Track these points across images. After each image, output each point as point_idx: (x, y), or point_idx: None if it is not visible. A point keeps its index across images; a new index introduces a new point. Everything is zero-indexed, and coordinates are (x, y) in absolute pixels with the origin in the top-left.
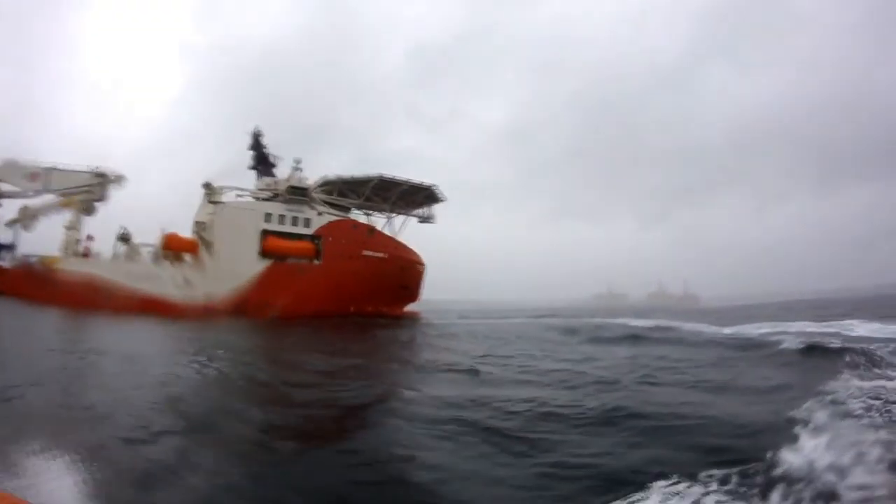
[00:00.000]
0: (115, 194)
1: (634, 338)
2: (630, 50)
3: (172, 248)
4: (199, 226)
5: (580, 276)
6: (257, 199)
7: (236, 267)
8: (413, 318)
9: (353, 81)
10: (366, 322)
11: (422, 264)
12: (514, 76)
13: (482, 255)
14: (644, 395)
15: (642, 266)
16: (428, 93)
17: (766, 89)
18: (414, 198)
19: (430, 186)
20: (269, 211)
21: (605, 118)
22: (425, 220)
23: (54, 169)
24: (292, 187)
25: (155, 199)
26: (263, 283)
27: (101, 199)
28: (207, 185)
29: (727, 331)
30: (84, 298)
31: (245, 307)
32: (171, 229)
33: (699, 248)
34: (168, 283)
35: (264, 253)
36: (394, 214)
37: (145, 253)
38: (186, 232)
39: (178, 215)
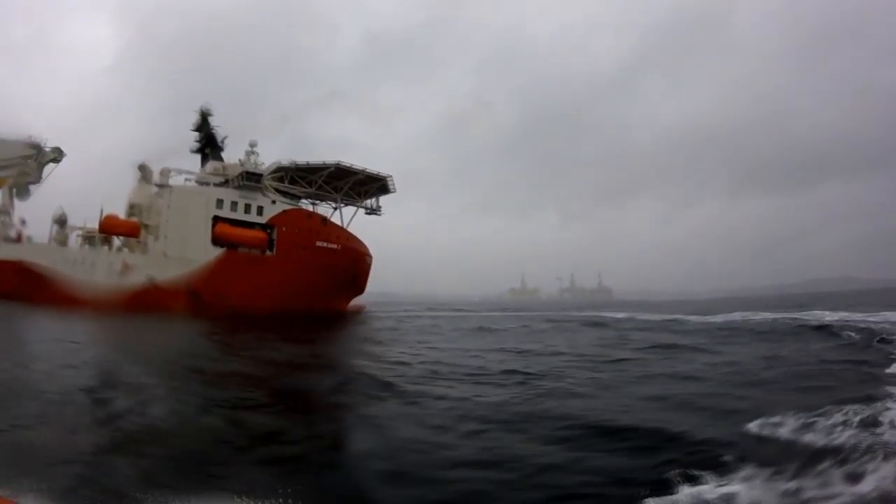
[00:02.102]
0: (51, 172)
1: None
2: (575, 55)
3: (112, 231)
4: (135, 208)
5: (496, 271)
6: (205, 183)
7: (187, 253)
8: (360, 312)
9: (301, 63)
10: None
11: (370, 256)
12: (459, 70)
13: (400, 247)
14: None
15: (557, 261)
16: (372, 81)
17: (695, 105)
18: (366, 188)
19: (385, 177)
20: (222, 197)
21: (544, 118)
22: (372, 211)
23: None
24: (248, 173)
25: (79, 176)
26: (217, 272)
27: (36, 179)
28: (142, 167)
29: None
30: (14, 287)
31: (199, 298)
32: (89, 209)
33: (615, 244)
34: (105, 268)
35: (215, 240)
36: (342, 205)
37: (73, 236)
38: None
39: (100, 195)
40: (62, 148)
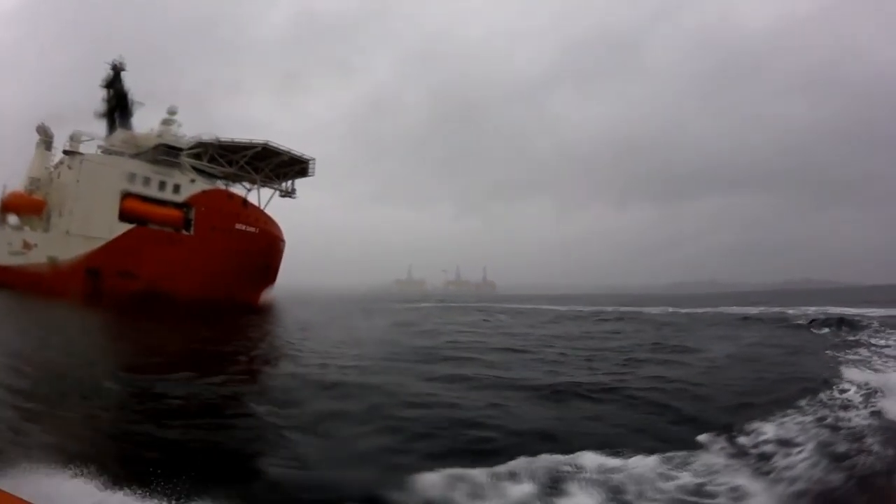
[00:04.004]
0: None
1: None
2: (496, 62)
3: (16, 210)
4: (35, 182)
5: (383, 262)
6: (118, 153)
7: (91, 230)
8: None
9: (224, 34)
10: None
11: (284, 241)
12: (383, 61)
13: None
14: None
15: (446, 254)
16: (295, 60)
17: (599, 119)
18: (286, 170)
19: (308, 160)
20: (134, 171)
21: (456, 116)
22: (287, 194)
23: None
24: (166, 146)
25: None
26: (123, 248)
27: None
28: (42, 129)
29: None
30: None
31: (99, 277)
32: None
33: (503, 240)
34: (3, 248)
35: (123, 215)
36: (258, 186)
37: None
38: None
39: None
40: None
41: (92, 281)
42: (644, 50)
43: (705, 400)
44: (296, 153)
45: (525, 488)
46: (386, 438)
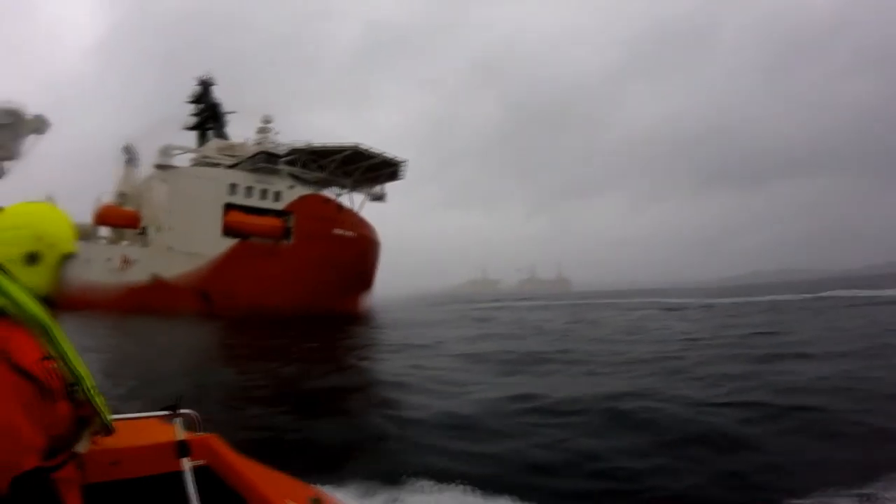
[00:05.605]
0: (32, 146)
1: None
2: (565, 63)
3: (109, 223)
4: (125, 197)
5: (456, 262)
6: (216, 164)
7: (195, 245)
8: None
9: (303, 50)
10: None
11: (380, 244)
12: (453, 69)
13: None
14: None
15: (520, 252)
16: (368, 72)
17: (671, 110)
18: (377, 173)
19: (399, 162)
20: (235, 181)
21: (526, 119)
22: (377, 198)
23: None
24: (267, 153)
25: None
26: (228, 267)
27: (13, 154)
28: (128, 149)
29: None
30: None
31: (209, 298)
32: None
33: (575, 237)
34: (102, 265)
35: (226, 230)
36: (350, 190)
37: None
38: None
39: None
40: (45, 117)
41: (205, 300)
42: (712, 38)
43: None
44: (388, 155)
45: None
46: None
